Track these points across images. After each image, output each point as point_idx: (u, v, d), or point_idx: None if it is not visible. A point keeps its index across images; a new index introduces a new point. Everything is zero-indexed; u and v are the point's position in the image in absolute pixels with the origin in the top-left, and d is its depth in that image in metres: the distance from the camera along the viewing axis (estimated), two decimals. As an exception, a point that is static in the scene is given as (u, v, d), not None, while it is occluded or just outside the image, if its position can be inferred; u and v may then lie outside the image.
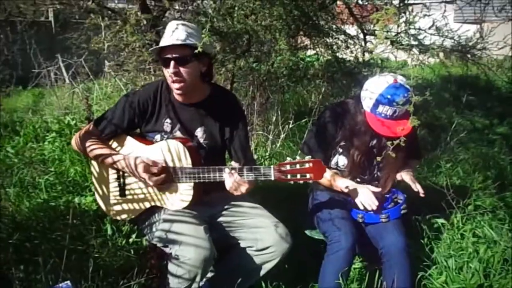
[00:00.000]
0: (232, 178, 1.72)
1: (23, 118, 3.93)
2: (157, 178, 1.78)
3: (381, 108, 1.93)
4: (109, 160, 1.84)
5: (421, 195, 2.01)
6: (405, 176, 2.09)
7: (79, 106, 3.91)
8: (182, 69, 1.77)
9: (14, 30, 3.49)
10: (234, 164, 1.77)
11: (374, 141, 2.08)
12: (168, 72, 1.78)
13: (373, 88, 1.96)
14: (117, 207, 1.94)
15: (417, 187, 2.03)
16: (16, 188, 2.46)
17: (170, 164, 1.81)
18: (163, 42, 1.78)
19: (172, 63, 1.76)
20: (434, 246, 2.22)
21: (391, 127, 1.93)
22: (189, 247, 1.69)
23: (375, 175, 2.13)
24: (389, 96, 1.90)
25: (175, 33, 1.76)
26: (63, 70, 4.52)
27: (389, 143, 1.70)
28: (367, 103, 1.99)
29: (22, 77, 5.05)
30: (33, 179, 2.58)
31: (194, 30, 1.80)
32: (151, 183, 1.79)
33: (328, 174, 2.05)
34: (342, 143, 2.09)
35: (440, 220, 2.37)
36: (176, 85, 1.80)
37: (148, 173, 1.77)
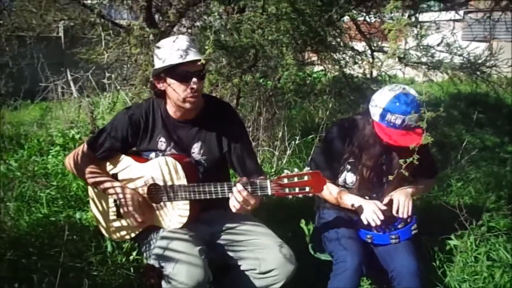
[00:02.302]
0: (239, 196, 1.62)
1: (29, 132, 3.92)
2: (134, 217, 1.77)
3: (389, 117, 1.88)
4: (106, 188, 1.81)
5: (400, 215, 1.92)
6: (397, 195, 1.96)
7: (85, 120, 3.90)
8: (200, 84, 1.74)
9: (23, 44, 3.51)
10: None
11: (384, 158, 2.02)
12: (185, 88, 1.71)
13: (380, 98, 1.91)
14: (115, 227, 1.88)
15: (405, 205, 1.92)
16: (17, 202, 2.41)
17: (166, 181, 1.75)
18: (179, 57, 1.67)
19: (194, 78, 1.71)
20: (447, 270, 2.13)
21: (398, 136, 1.87)
22: (181, 271, 1.60)
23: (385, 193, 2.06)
24: (397, 104, 1.85)
25: (191, 47, 1.70)
26: (71, 84, 4.54)
27: (401, 161, 1.63)
28: (374, 112, 1.94)
29: (30, 90, 5.09)
30: (34, 193, 2.54)
31: (197, 44, 1.77)
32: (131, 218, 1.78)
33: (335, 191, 1.99)
34: (350, 160, 2.03)
35: (453, 242, 2.28)
36: (193, 100, 1.75)
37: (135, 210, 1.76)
